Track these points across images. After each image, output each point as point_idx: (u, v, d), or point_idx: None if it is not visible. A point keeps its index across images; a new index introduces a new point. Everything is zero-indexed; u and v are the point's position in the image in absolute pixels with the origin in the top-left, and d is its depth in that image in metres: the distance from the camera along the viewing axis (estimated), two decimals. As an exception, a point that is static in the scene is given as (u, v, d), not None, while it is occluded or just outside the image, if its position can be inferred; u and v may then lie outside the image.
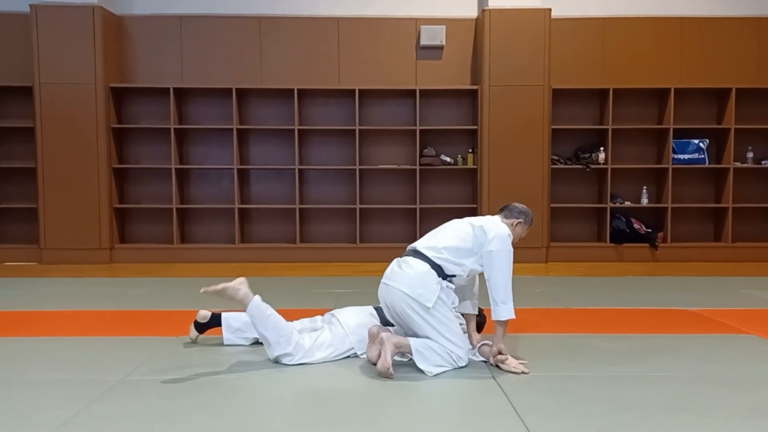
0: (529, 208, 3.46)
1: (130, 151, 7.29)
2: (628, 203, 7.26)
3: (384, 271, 3.18)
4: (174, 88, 6.99)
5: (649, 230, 7.12)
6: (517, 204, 3.36)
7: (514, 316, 3.05)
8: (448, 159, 7.23)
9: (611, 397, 2.67)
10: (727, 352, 3.38)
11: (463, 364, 3.05)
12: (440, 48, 7.24)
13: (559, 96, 7.13)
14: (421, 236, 3.31)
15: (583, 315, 4.37)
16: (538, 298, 4.96)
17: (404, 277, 3.03)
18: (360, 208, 7.19)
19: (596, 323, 4.11)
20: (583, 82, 7.20)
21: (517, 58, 6.87)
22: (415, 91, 7.07)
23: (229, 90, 7.03)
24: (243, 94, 7.22)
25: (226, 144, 7.18)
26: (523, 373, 2.97)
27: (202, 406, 2.57)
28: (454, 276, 3.10)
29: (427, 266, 3.05)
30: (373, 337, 3.07)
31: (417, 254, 3.11)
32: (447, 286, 3.08)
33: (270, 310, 3.08)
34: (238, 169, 7.12)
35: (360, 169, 7.16)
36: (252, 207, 7.30)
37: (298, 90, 7.04)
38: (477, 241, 3.09)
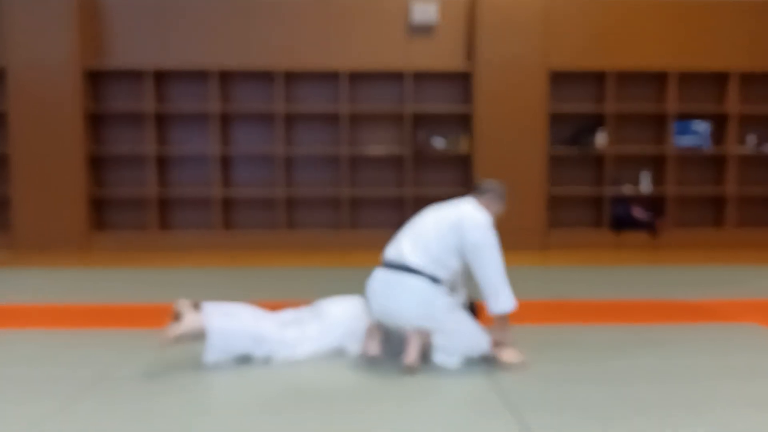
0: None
1: (107, 136, 7.01)
2: (628, 188, 7.09)
3: (371, 266, 3.01)
4: (153, 71, 6.73)
5: (649, 216, 6.99)
6: (484, 182, 3.20)
7: (513, 307, 2.90)
8: (441, 144, 7.00)
9: (609, 390, 2.62)
10: (728, 342, 3.34)
11: (486, 350, 2.91)
12: (432, 27, 6.97)
13: (557, 78, 6.94)
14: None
15: (581, 305, 4.27)
16: (535, 287, 4.82)
17: (404, 298, 2.85)
18: (348, 195, 6.96)
19: (594, 314, 4.02)
20: (582, 64, 6.99)
21: (512, 38, 6.65)
22: (406, 72, 6.84)
23: (211, 73, 6.78)
24: (226, 76, 6.97)
25: (207, 129, 6.93)
26: (518, 364, 2.87)
27: (183, 403, 2.48)
28: (442, 279, 2.94)
29: (424, 282, 2.86)
30: (370, 333, 2.96)
31: (409, 270, 2.87)
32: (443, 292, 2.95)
33: (231, 323, 2.88)
34: (221, 155, 6.88)
35: (348, 155, 6.93)
36: (235, 194, 7.05)
37: (284, 72, 6.80)
38: (457, 237, 2.90)
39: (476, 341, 2.89)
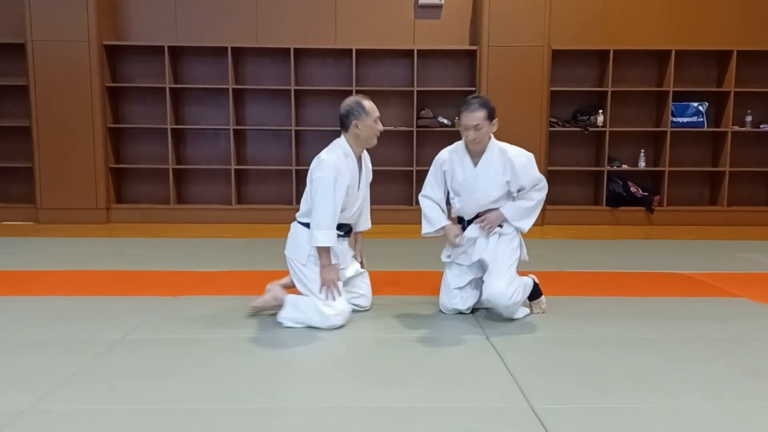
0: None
1: (125, 111, 7.22)
2: (625, 166, 7.25)
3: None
4: (168, 47, 6.90)
5: (646, 194, 7.12)
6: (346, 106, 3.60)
7: (327, 244, 3.19)
8: (446, 121, 7.18)
9: (603, 358, 2.71)
10: (720, 314, 3.42)
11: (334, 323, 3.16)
12: (439, 7, 7.12)
13: (558, 57, 7.05)
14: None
15: (578, 278, 4.41)
16: (534, 260, 4.86)
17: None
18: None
19: (591, 286, 4.14)
20: (584, 43, 7.12)
21: (516, 17, 6.77)
22: (413, 51, 6.98)
23: (225, 49, 6.93)
24: (239, 53, 7.13)
25: (222, 104, 7.12)
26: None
27: (201, 364, 2.61)
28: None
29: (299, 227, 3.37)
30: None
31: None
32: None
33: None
34: (234, 130, 7.07)
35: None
36: (249, 168, 7.27)
37: (295, 49, 6.96)
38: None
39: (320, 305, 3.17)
